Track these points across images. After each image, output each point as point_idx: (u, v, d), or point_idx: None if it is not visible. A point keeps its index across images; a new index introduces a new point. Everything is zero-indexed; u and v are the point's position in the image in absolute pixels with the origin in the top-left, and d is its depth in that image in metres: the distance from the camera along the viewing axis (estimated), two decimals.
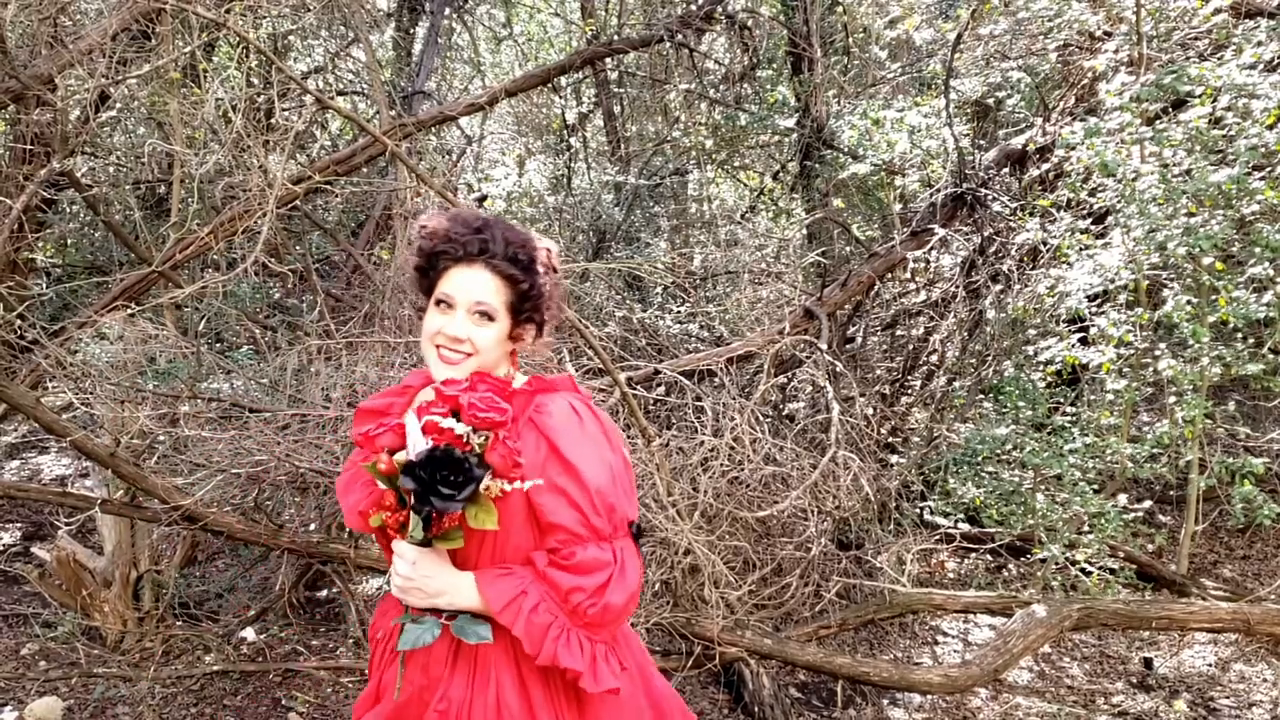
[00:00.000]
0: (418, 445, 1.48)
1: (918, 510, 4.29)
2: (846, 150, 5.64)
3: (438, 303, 1.62)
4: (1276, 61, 3.88)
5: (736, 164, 7.72)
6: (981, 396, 4.62)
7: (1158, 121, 4.01)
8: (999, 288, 4.54)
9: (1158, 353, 3.94)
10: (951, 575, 4.79)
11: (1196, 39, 4.29)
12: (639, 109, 7.76)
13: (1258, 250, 3.67)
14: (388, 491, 1.52)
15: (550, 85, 6.87)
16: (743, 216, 7.31)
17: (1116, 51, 4.20)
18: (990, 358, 4.56)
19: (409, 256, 1.69)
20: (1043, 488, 3.94)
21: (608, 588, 1.51)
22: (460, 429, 1.47)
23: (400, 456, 1.49)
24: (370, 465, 1.51)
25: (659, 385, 3.97)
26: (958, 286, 4.61)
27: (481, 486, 1.47)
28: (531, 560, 1.56)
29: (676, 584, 3.34)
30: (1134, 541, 4.19)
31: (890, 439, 4.70)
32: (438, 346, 1.61)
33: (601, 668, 1.53)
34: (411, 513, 1.50)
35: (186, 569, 4.48)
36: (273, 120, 4.94)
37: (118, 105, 5.83)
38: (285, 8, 5.76)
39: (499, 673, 1.59)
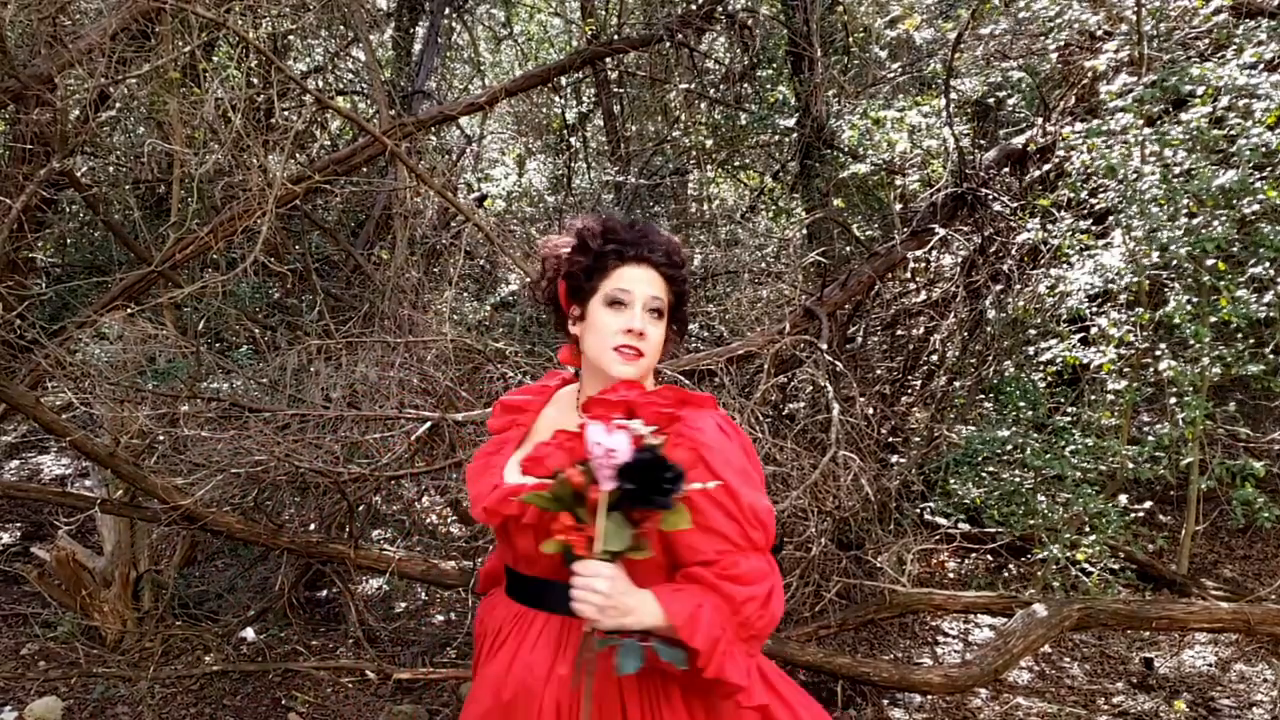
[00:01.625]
0: (618, 449, 1.40)
1: (918, 510, 4.28)
2: (847, 150, 5.63)
3: (611, 303, 1.60)
4: (1277, 61, 3.87)
5: (736, 164, 7.71)
6: (982, 396, 4.61)
7: (1158, 121, 4.00)
8: (999, 287, 4.53)
9: (1158, 353, 3.93)
10: (952, 575, 4.79)
11: (1197, 39, 4.28)
12: (639, 109, 7.76)
13: (1259, 250, 3.67)
14: (562, 514, 1.44)
15: (550, 85, 6.87)
16: (743, 216, 7.30)
17: (1117, 51, 4.19)
18: (991, 358, 4.55)
19: (567, 261, 1.64)
20: (1043, 488, 3.93)
21: (772, 598, 1.50)
22: (643, 430, 1.44)
23: (583, 468, 1.43)
24: (550, 494, 1.44)
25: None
26: (958, 286, 4.60)
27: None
28: (696, 575, 1.51)
29: None
30: (1134, 542, 4.18)
31: (890, 439, 4.70)
32: (617, 347, 1.58)
33: (756, 682, 1.52)
34: (609, 523, 1.42)
35: (186, 569, 4.48)
36: (272, 120, 4.93)
37: (117, 105, 5.83)
38: (285, 7, 5.76)
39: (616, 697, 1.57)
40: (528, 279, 1.73)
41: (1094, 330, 4.06)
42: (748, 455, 1.59)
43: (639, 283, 1.61)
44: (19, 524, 5.36)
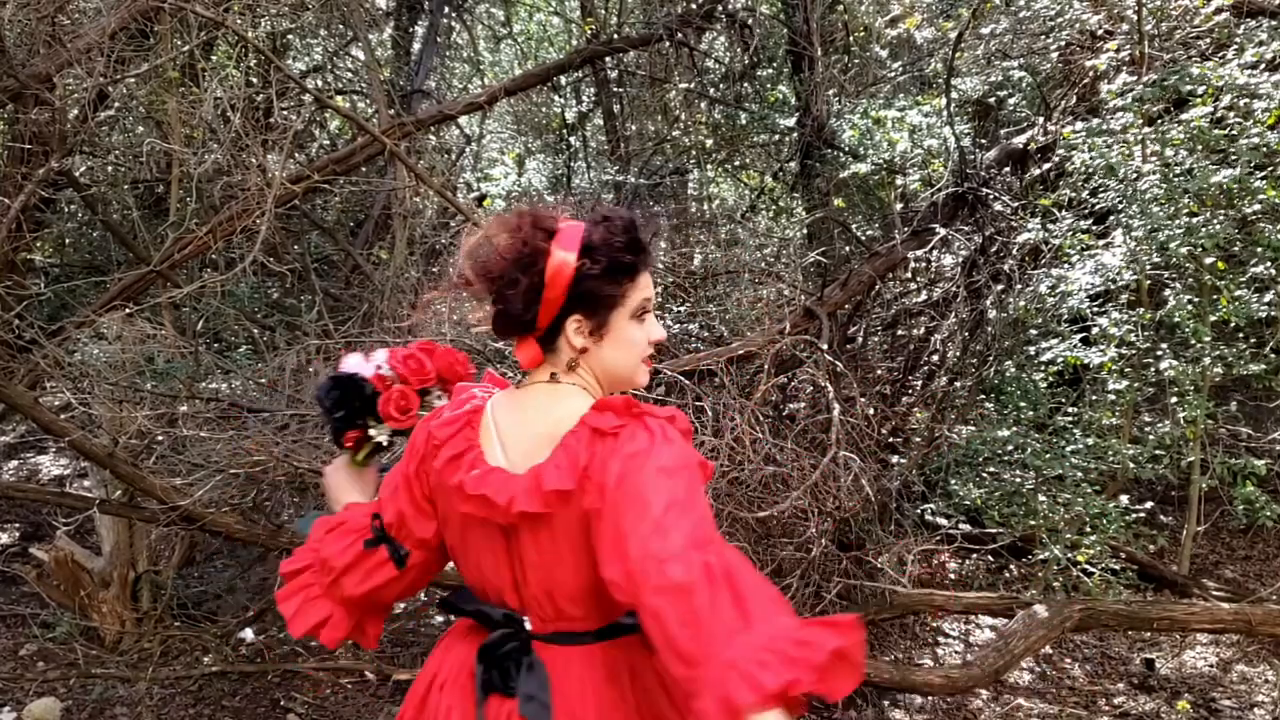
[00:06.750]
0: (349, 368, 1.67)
1: (919, 511, 4.27)
2: (847, 149, 5.62)
3: (639, 314, 1.47)
4: (1278, 61, 3.87)
5: (736, 163, 7.70)
6: (982, 397, 4.60)
7: (1159, 121, 4.00)
8: (1000, 287, 4.52)
9: (1159, 353, 3.93)
10: (953, 576, 4.78)
11: (1198, 38, 4.27)
12: (639, 108, 7.74)
13: (1259, 250, 3.67)
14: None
15: (550, 84, 6.86)
16: (743, 216, 7.29)
17: (1118, 51, 4.19)
18: (991, 358, 4.54)
19: (586, 277, 1.42)
20: (1044, 488, 3.93)
21: None
22: (386, 372, 1.65)
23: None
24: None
25: (659, 385, 3.96)
26: (959, 286, 4.59)
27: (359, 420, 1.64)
28: None
29: None
30: (1135, 542, 4.18)
31: (891, 439, 4.69)
32: (644, 358, 1.50)
33: None
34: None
35: (185, 569, 4.47)
36: (271, 119, 4.92)
37: (116, 104, 5.81)
38: (284, 6, 5.75)
39: None
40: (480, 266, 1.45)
41: (1095, 330, 4.06)
42: None
43: (649, 288, 1.49)
44: (17, 524, 5.36)
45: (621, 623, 1.44)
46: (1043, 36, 4.91)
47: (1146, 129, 3.86)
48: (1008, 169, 4.96)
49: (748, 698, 1.04)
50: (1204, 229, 3.56)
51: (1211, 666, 4.08)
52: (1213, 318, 3.78)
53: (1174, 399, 3.88)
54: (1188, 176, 3.65)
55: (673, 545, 1.17)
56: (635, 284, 1.45)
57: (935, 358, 4.87)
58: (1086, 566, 3.73)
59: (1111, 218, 4.05)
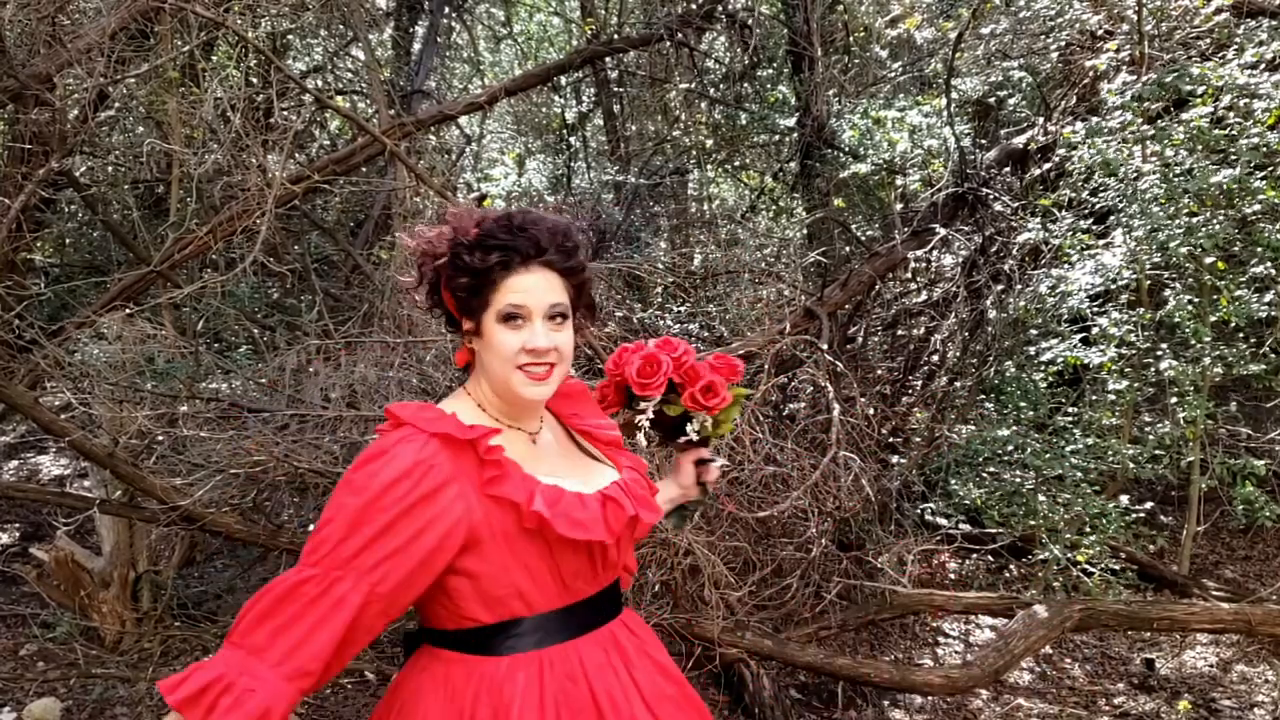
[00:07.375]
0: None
1: (919, 511, 4.27)
2: (847, 149, 5.63)
3: (507, 319, 1.41)
4: (1278, 61, 3.87)
5: (736, 163, 7.71)
6: (982, 397, 4.60)
7: (1159, 120, 4.00)
8: (1000, 287, 4.52)
9: (1159, 353, 3.93)
10: (953, 576, 4.78)
11: (1198, 38, 4.28)
12: (639, 108, 7.74)
13: (1259, 250, 3.67)
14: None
15: (550, 84, 6.87)
16: (743, 216, 7.29)
17: (1118, 51, 4.19)
18: (991, 358, 4.55)
19: (446, 277, 1.47)
20: (1044, 488, 3.93)
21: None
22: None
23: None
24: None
25: None
26: (959, 286, 4.60)
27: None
28: None
29: (676, 585, 3.33)
30: (1135, 542, 4.18)
31: (891, 439, 4.69)
32: (521, 367, 1.41)
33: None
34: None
35: (185, 569, 4.47)
36: (271, 120, 4.92)
37: (116, 104, 5.82)
38: (284, 7, 5.75)
39: None
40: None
41: (1095, 330, 4.06)
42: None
43: (534, 291, 1.41)
44: (18, 524, 5.36)
45: (445, 631, 1.47)
46: (1043, 36, 4.91)
47: (1147, 128, 3.86)
48: (1008, 169, 4.97)
49: (173, 694, 1.22)
50: (1204, 229, 3.56)
51: (1211, 666, 4.08)
52: (1213, 318, 3.79)
53: (1174, 399, 3.89)
54: (1188, 176, 3.66)
55: (302, 555, 1.30)
56: (497, 286, 1.41)
57: (935, 358, 4.87)
58: (1086, 566, 3.73)
59: (1111, 218, 4.05)
